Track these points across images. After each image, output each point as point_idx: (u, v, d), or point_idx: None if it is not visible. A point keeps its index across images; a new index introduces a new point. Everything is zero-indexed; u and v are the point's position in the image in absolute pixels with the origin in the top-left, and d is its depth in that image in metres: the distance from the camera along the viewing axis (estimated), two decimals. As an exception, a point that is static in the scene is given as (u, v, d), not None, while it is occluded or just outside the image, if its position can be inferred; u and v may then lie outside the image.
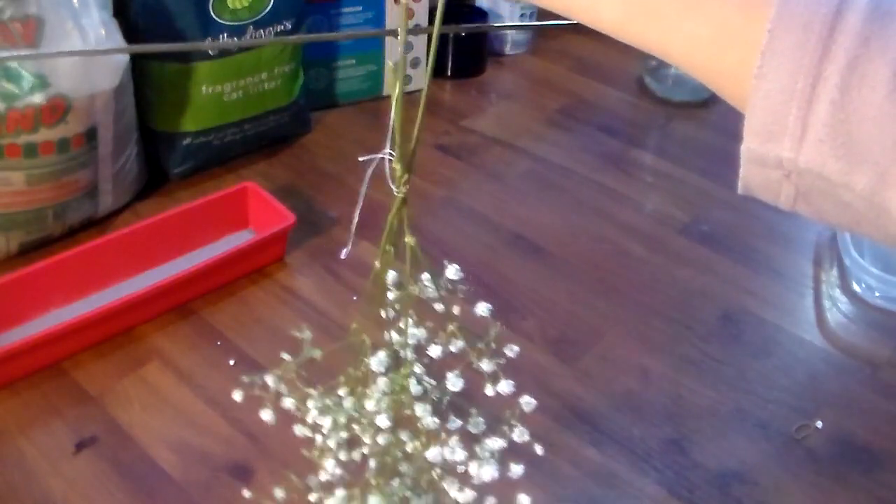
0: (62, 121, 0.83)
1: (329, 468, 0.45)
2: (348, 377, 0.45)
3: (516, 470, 0.44)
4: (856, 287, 0.89)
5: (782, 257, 0.94)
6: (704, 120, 1.18)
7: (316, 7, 1.09)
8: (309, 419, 0.44)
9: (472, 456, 0.43)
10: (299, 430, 0.46)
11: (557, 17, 0.40)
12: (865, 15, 0.30)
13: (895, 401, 0.78)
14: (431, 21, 0.48)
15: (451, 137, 1.12)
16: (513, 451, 0.44)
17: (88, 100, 0.84)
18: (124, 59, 0.88)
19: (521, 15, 1.28)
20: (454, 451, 0.42)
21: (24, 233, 0.87)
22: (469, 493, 0.43)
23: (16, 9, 0.78)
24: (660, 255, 0.94)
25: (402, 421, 0.44)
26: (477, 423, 0.43)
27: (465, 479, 0.44)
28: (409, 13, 0.39)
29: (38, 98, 0.80)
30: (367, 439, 0.44)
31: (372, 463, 0.45)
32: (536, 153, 1.10)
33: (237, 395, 0.46)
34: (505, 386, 0.42)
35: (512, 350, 0.44)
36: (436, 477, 0.43)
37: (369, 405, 0.43)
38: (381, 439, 0.43)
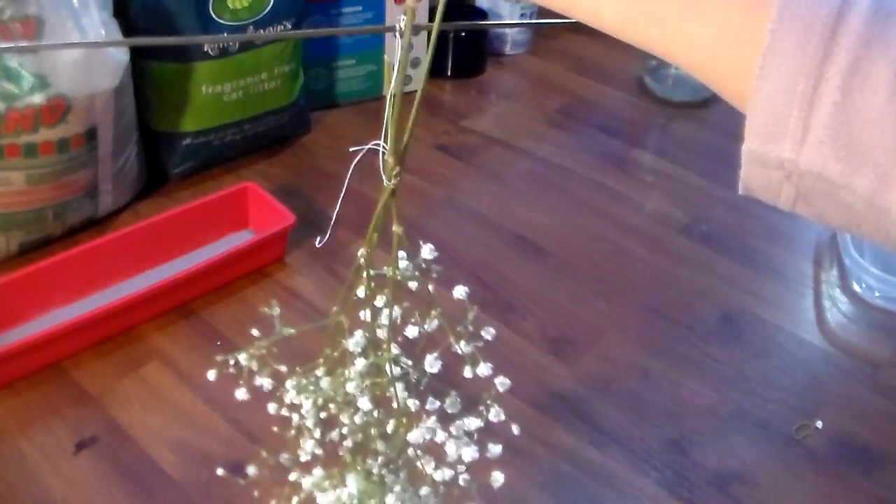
0: (62, 121, 0.83)
1: (308, 447, 0.46)
2: (326, 358, 0.45)
3: (494, 451, 0.44)
4: (856, 287, 0.89)
5: (782, 257, 0.94)
6: (704, 120, 1.18)
7: (316, 7, 1.09)
8: (287, 399, 0.45)
9: (451, 436, 0.43)
10: (275, 407, 0.47)
11: (557, 16, 0.40)
12: (867, 17, 0.30)
13: (895, 401, 0.78)
14: (431, 21, 0.48)
15: (451, 137, 1.12)
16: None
17: (88, 100, 0.84)
18: (124, 59, 0.88)
19: (521, 15, 1.28)
20: (434, 432, 0.42)
21: (24, 233, 0.87)
22: (446, 472, 0.44)
23: (16, 9, 0.78)
24: (660, 255, 0.94)
25: (380, 401, 0.44)
26: (454, 404, 0.44)
27: (441, 458, 0.44)
28: (411, 12, 0.39)
29: (38, 98, 0.80)
30: (344, 419, 0.45)
31: (348, 442, 0.46)
32: (536, 153, 1.10)
33: (211, 375, 0.46)
34: (484, 368, 0.43)
35: (489, 333, 0.44)
36: (412, 455, 0.43)
37: (349, 387, 0.43)
38: (357, 419, 0.44)
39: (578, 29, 0.39)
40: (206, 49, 0.95)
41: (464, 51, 1.24)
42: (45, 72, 0.80)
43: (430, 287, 0.44)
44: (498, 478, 0.45)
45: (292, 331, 0.46)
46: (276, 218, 0.88)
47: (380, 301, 0.44)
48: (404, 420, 0.43)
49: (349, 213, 0.96)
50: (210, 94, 0.98)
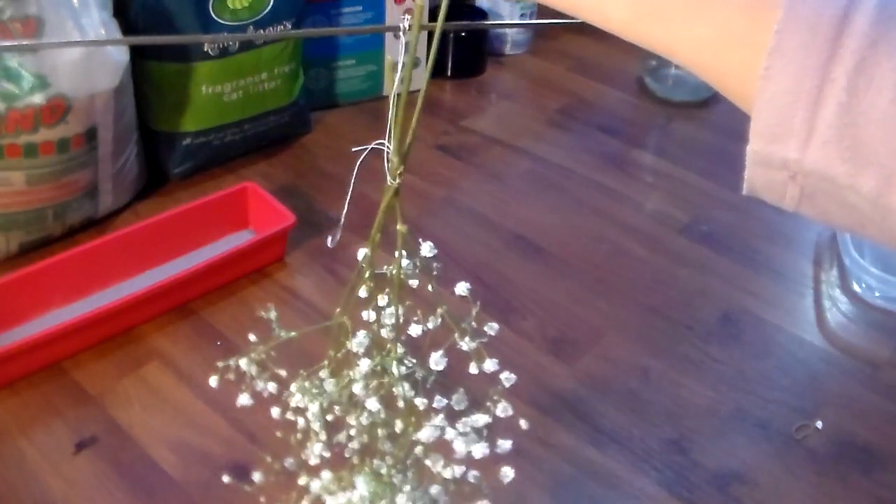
0: (62, 121, 0.83)
1: (316, 451, 0.46)
2: (330, 360, 0.45)
3: (504, 446, 0.44)
4: (856, 287, 0.89)
5: (782, 257, 0.95)
6: (704, 120, 1.18)
7: (316, 7, 1.09)
8: (292, 403, 0.45)
9: (460, 433, 0.43)
10: (279, 412, 0.47)
11: (557, 16, 0.40)
12: (873, 17, 0.30)
13: (895, 401, 0.78)
14: (431, 21, 0.48)
15: (451, 137, 1.12)
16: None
17: (88, 100, 0.84)
18: (124, 59, 0.88)
19: (521, 15, 1.28)
20: (443, 430, 0.42)
21: (24, 233, 0.87)
22: (457, 469, 0.43)
23: (16, 9, 0.78)
24: (660, 255, 0.94)
25: (386, 401, 0.44)
26: (461, 401, 0.44)
27: (449, 456, 0.44)
28: (419, 10, 0.39)
29: (38, 98, 0.80)
30: (351, 421, 0.44)
31: (355, 444, 0.46)
32: (536, 153, 1.10)
33: (213, 381, 0.46)
34: (490, 364, 0.43)
35: (492, 329, 0.44)
36: (421, 454, 0.43)
37: (355, 388, 0.43)
38: (364, 420, 0.44)
39: (578, 29, 0.40)
40: (206, 49, 0.95)
41: (464, 51, 1.24)
42: (45, 72, 0.80)
43: (431, 286, 0.44)
44: (508, 473, 0.45)
45: (293, 334, 0.46)
46: (276, 218, 0.88)
47: (382, 300, 0.44)
48: (412, 419, 0.43)
49: (349, 214, 0.96)
50: (210, 94, 0.98)
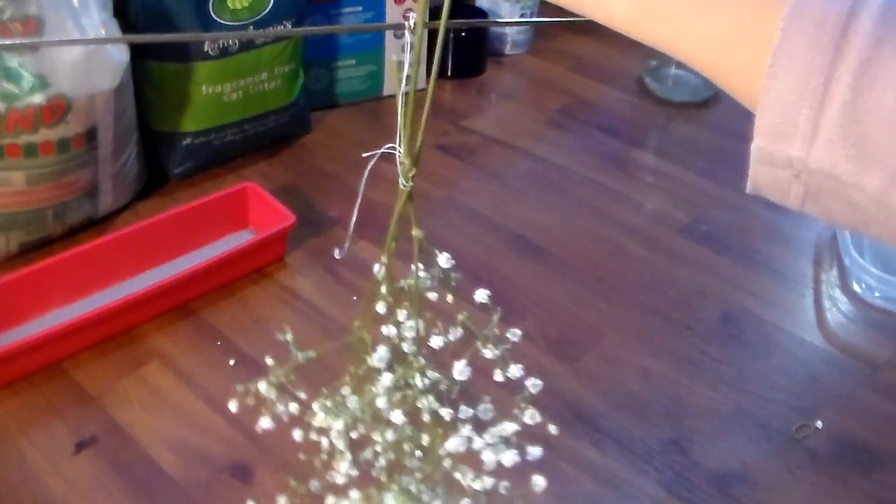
0: (62, 121, 0.83)
1: (343, 469, 0.45)
2: (351, 376, 0.45)
3: (534, 453, 0.44)
4: (856, 287, 0.89)
5: (782, 257, 0.95)
6: (704, 120, 1.18)
7: (316, 7, 1.09)
8: (315, 423, 0.44)
9: (487, 443, 0.43)
10: (301, 433, 0.46)
11: (561, 14, 0.40)
12: (879, 16, 0.30)
13: (895, 401, 0.78)
14: (432, 20, 0.49)
15: (451, 137, 1.12)
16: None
17: (88, 100, 0.84)
18: (124, 59, 0.88)
19: (522, 14, 1.28)
20: (471, 440, 0.42)
21: (24, 233, 0.87)
22: (487, 481, 0.43)
23: (16, 9, 0.78)
24: (660, 255, 0.94)
25: (410, 415, 0.43)
26: (486, 410, 0.43)
27: (478, 467, 0.43)
28: (423, 6, 0.39)
29: (38, 98, 0.80)
30: (376, 437, 0.44)
31: (381, 461, 0.45)
32: (536, 153, 1.10)
33: (233, 406, 0.45)
34: (515, 370, 0.42)
35: (515, 335, 0.44)
36: (448, 468, 0.43)
37: (380, 402, 0.42)
38: (389, 435, 0.43)
39: (579, 29, 0.40)
40: (206, 49, 0.95)
41: (464, 51, 1.24)
42: (45, 72, 0.80)
43: (451, 296, 0.43)
44: (539, 482, 0.44)
45: (311, 353, 0.45)
46: (276, 218, 0.88)
47: (402, 315, 0.44)
48: (439, 431, 0.42)
49: (348, 215, 0.96)
50: (210, 94, 0.98)
